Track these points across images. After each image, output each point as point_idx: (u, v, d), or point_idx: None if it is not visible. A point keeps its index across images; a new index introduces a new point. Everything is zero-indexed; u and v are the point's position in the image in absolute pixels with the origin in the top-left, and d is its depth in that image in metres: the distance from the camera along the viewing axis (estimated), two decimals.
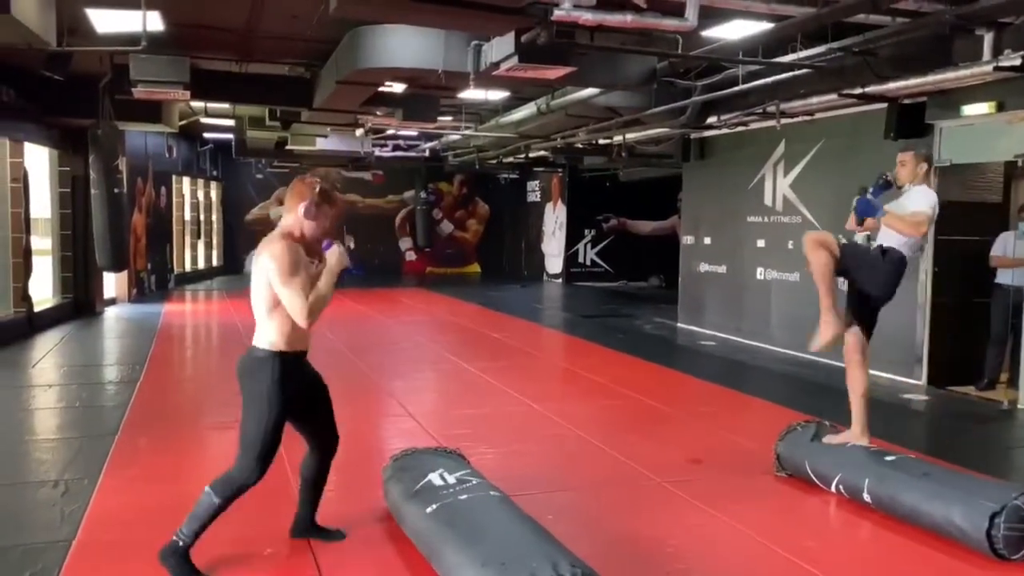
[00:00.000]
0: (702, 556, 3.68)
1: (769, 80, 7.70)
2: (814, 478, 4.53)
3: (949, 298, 7.73)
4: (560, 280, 19.46)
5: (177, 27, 7.34)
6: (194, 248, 18.73)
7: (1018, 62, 5.90)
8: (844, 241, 4.90)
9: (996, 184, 7.96)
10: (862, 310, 4.81)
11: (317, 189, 3.42)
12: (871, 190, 4.79)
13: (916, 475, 4.09)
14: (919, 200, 4.69)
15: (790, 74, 7.55)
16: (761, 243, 10.12)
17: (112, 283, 13.22)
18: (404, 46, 6.61)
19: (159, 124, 11.12)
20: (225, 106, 12.06)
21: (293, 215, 3.39)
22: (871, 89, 7.38)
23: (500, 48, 6.08)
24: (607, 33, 6.16)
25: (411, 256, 22.16)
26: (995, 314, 7.45)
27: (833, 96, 7.89)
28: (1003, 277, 7.38)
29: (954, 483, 3.98)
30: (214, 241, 20.20)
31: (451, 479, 3.68)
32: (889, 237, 4.71)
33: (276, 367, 3.36)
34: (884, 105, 7.83)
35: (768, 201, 9.99)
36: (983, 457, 5.27)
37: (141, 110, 10.35)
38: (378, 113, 9.61)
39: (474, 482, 3.68)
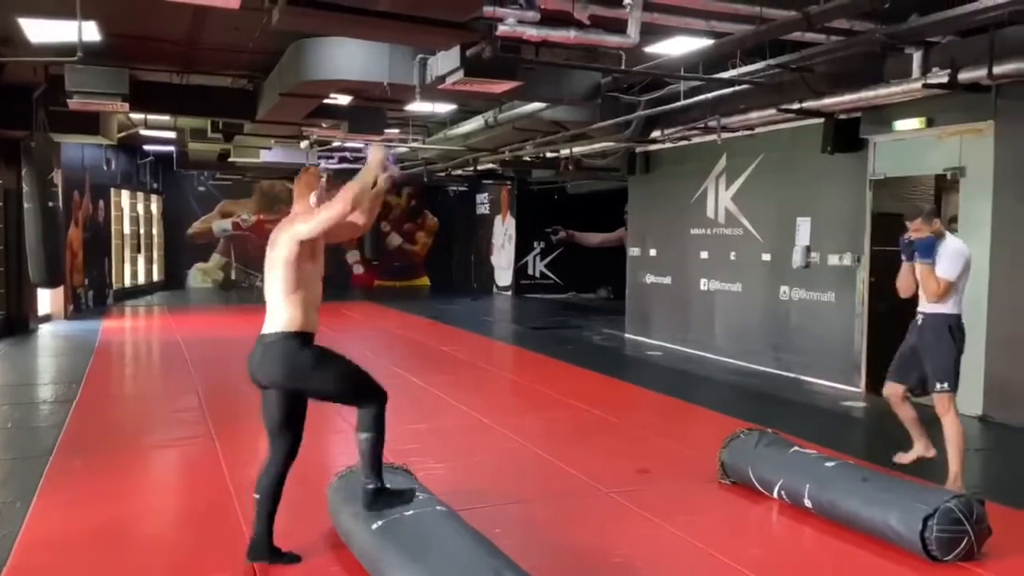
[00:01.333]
0: (649, 566, 3.70)
1: (710, 96, 7.87)
2: (757, 485, 4.63)
3: (885, 306, 7.96)
4: (510, 292, 19.51)
5: (116, 38, 7.19)
6: (134, 263, 18.27)
7: (945, 80, 6.14)
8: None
9: (927, 196, 8.24)
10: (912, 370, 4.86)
11: (325, 177, 3.62)
12: (921, 243, 4.69)
13: (855, 480, 4.21)
14: (949, 263, 4.66)
15: (730, 89, 7.73)
16: (704, 255, 10.30)
17: (47, 299, 12.81)
18: (349, 58, 6.59)
19: (97, 136, 10.85)
20: (166, 118, 11.82)
21: (305, 202, 3.56)
22: (808, 104, 7.60)
23: (446, 62, 6.10)
24: (552, 48, 6.25)
25: (359, 269, 21.97)
26: None
27: (772, 111, 8.10)
28: None
29: (890, 488, 4.11)
30: (155, 255, 19.74)
31: None
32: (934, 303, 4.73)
33: (301, 340, 3.46)
34: (821, 120, 8.08)
35: (711, 213, 10.18)
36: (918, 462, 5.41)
37: (78, 122, 10.09)
38: (323, 125, 9.52)
39: (421, 497, 3.64)
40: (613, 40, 5.34)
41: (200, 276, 20.82)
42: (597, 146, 10.64)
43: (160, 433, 6.09)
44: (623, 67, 6.64)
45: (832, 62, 6.86)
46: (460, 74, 5.88)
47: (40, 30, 6.94)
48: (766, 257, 9.24)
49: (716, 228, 10.03)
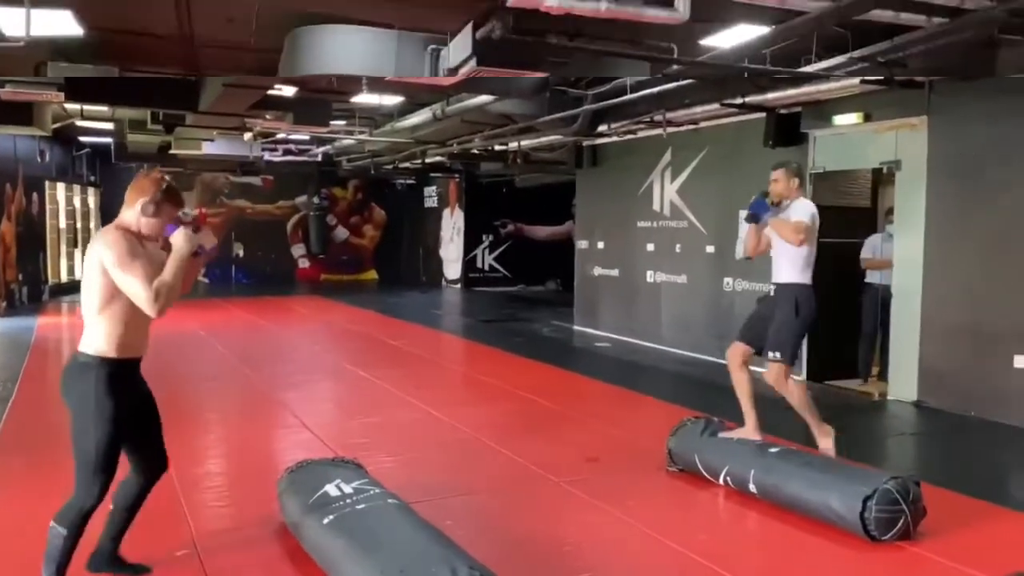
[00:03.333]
0: (599, 553, 3.76)
1: (656, 90, 7.93)
2: (704, 472, 4.72)
3: (825, 297, 8.17)
4: (459, 285, 19.47)
5: (99, 31, 6.61)
6: (71, 257, 17.72)
7: (881, 76, 6.30)
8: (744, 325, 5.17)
9: (865, 190, 8.50)
10: (762, 334, 4.97)
11: (163, 185, 3.19)
12: (753, 203, 5.01)
13: (797, 465, 4.36)
14: (799, 211, 4.94)
15: (675, 84, 7.79)
16: (651, 247, 10.44)
17: None
18: (350, 49, 5.89)
19: (30, 127, 10.46)
20: (103, 109, 11.47)
21: (132, 210, 3.18)
22: (750, 99, 7.75)
23: (458, 51, 5.40)
24: (582, 32, 5.06)
25: (304, 263, 21.67)
26: (866, 311, 7.93)
27: (716, 106, 8.24)
28: (872, 277, 7.87)
29: (831, 471, 4.27)
30: None
31: (348, 489, 3.62)
32: (782, 269, 4.96)
33: (102, 375, 3.08)
34: (763, 115, 8.25)
35: (656, 206, 10.32)
36: (857, 445, 5.60)
37: (9, 112, 9.71)
38: (268, 117, 9.36)
39: (372, 491, 3.63)
40: (656, 14, 4.28)
41: None
42: (545, 139, 10.69)
43: None
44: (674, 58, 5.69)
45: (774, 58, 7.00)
46: (473, 63, 5.19)
47: (16, 21, 6.45)
48: (710, 249, 9.41)
49: (662, 221, 10.18)
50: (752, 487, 4.41)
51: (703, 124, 9.26)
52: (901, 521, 3.83)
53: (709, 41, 5.97)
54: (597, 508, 4.33)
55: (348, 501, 3.52)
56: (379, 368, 8.48)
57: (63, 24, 5.61)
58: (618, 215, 11.11)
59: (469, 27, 4.85)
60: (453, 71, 5.32)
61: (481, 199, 19.07)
